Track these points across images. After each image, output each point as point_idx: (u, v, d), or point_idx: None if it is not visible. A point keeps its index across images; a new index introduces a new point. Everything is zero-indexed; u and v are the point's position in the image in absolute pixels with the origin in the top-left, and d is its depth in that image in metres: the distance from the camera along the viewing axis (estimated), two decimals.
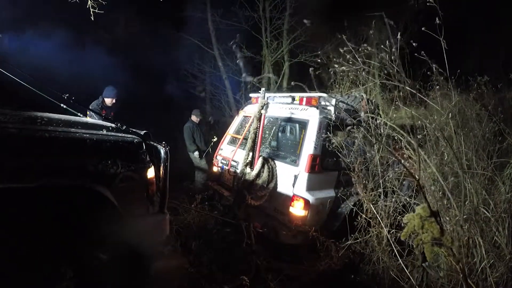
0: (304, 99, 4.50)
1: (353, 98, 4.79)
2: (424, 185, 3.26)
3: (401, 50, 3.08)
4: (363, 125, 3.55)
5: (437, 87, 3.36)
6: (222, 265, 3.60)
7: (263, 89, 4.60)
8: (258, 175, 4.37)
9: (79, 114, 3.01)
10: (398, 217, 3.36)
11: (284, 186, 4.38)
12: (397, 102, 3.32)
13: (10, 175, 1.69)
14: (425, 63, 3.01)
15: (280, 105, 5.01)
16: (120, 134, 2.34)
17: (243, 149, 4.77)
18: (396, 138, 3.36)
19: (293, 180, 4.18)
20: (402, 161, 4.38)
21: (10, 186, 1.66)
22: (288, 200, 4.20)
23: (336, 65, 3.23)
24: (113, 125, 2.43)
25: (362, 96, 4.69)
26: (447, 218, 2.87)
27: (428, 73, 3.08)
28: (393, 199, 3.53)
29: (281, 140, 4.91)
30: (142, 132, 2.52)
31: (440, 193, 2.97)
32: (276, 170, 4.49)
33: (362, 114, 4.58)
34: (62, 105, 3.09)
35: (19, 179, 1.71)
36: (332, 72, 3.50)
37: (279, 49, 11.22)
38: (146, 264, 2.36)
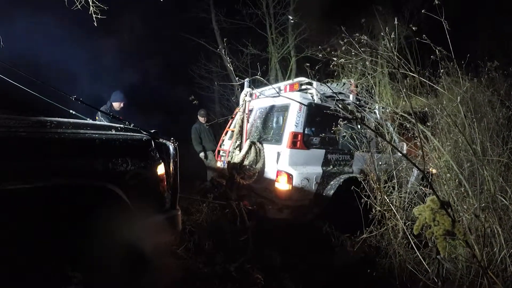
0: (288, 86, 4.77)
1: (342, 84, 4.97)
2: (437, 174, 3.20)
3: (409, 39, 3.02)
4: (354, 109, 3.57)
5: (442, 70, 3.29)
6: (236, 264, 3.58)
7: (247, 79, 4.91)
8: (246, 156, 4.58)
9: (87, 118, 3.02)
10: (414, 208, 3.29)
11: (271, 165, 4.54)
12: (405, 90, 3.25)
13: (21, 176, 1.69)
14: (434, 52, 2.94)
15: (270, 96, 5.23)
16: (129, 133, 2.36)
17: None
18: (408, 127, 3.31)
19: (277, 157, 4.38)
20: (405, 149, 4.34)
21: (21, 187, 1.67)
22: (274, 177, 4.40)
23: (334, 58, 3.19)
24: (121, 125, 2.44)
25: (351, 81, 4.78)
26: (464, 206, 2.80)
27: (432, 56, 3.01)
28: (408, 190, 3.47)
29: (270, 127, 5.15)
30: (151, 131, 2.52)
31: (456, 181, 2.91)
32: (263, 151, 4.70)
33: (351, 97, 4.66)
34: (71, 110, 3.11)
35: (28, 180, 1.71)
36: (337, 64, 3.46)
37: (285, 45, 11.15)
38: (156, 262, 2.37)
